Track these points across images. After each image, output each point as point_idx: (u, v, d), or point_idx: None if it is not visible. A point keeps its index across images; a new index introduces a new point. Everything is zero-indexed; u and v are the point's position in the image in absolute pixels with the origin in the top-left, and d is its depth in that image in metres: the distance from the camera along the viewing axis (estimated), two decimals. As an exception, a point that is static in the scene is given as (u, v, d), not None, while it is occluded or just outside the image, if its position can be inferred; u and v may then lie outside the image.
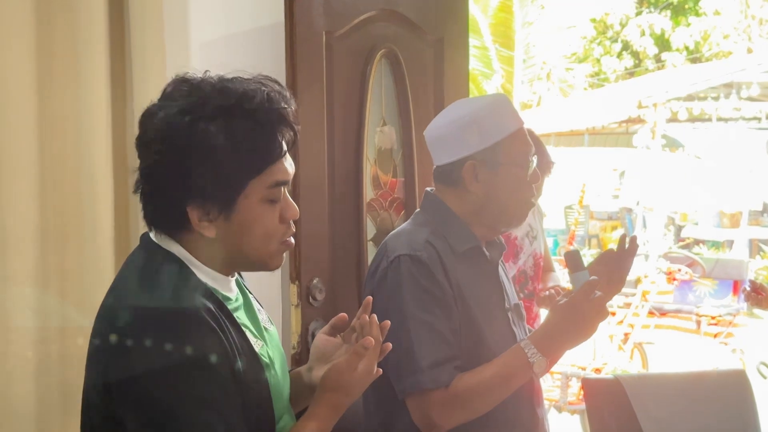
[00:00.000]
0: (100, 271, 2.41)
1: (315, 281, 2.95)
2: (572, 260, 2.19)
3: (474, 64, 10.96)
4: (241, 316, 1.68)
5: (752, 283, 3.81)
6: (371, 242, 3.18)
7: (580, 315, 2.08)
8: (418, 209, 2.34)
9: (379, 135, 3.26)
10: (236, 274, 1.74)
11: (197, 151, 1.55)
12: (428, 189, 2.34)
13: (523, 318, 2.40)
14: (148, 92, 2.44)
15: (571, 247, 2.70)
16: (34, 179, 2.31)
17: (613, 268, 2.47)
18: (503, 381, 2.14)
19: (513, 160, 2.23)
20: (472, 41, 10.22)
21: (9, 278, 2.28)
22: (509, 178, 2.23)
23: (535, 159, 2.26)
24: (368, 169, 3.19)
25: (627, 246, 2.46)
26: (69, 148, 2.38)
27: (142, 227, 2.45)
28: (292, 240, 1.69)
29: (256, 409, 1.61)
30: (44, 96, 2.33)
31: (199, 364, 1.52)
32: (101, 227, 2.42)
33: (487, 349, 2.18)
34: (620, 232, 12.52)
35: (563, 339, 2.12)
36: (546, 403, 3.32)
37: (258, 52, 2.91)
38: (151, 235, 1.66)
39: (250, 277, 1.84)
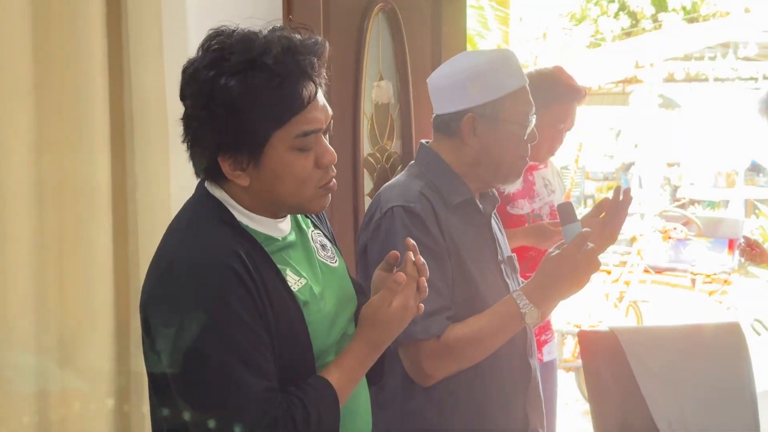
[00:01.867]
0: (97, 247, 2.41)
1: (313, 235, 2.96)
2: (565, 212, 2.19)
3: (470, 24, 10.89)
4: (286, 255, 1.72)
5: (746, 238, 3.85)
6: (368, 197, 3.18)
7: (572, 266, 2.10)
8: (412, 161, 2.35)
9: (375, 90, 3.25)
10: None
11: (220, 105, 1.60)
12: (423, 141, 2.35)
13: (517, 270, 2.42)
14: (143, 43, 2.42)
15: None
16: (30, 143, 2.29)
17: (606, 219, 2.48)
18: (495, 331, 2.16)
19: (512, 117, 2.23)
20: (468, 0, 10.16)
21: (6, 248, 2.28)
22: (507, 135, 2.24)
23: (534, 119, 2.27)
24: (365, 124, 3.19)
25: (621, 197, 2.47)
26: (65, 100, 2.37)
27: (139, 203, 2.47)
28: (334, 183, 1.73)
29: (291, 345, 1.65)
30: (40, 50, 2.31)
31: (218, 304, 1.57)
32: (98, 195, 2.40)
33: (480, 300, 2.19)
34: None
35: (555, 290, 2.14)
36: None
37: (255, 7, 2.89)
38: (206, 182, 1.73)
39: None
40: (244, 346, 1.57)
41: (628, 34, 18.46)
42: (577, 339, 5.51)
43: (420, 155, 2.32)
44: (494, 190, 2.39)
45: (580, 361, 4.06)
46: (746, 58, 12.15)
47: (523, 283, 2.31)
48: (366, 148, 3.20)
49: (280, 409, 1.58)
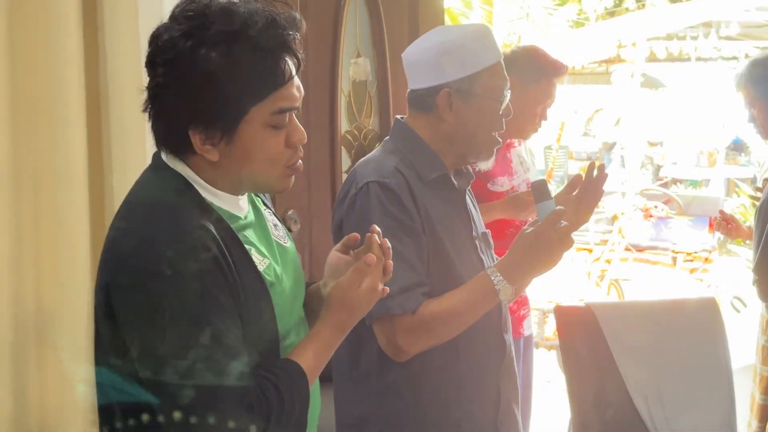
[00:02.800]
0: (75, 218, 2.39)
1: (290, 212, 2.96)
2: (538, 190, 2.18)
3: (453, 3, 10.88)
4: (248, 234, 1.68)
5: (722, 213, 3.89)
6: (346, 174, 3.18)
7: (544, 244, 2.10)
8: (387, 137, 2.35)
9: (353, 67, 3.25)
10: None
11: (198, 76, 1.54)
12: (398, 117, 2.34)
13: (491, 246, 2.42)
14: (118, 16, 2.39)
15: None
16: (3, 123, 2.26)
17: (581, 196, 2.48)
18: (469, 307, 2.16)
19: (488, 92, 2.23)
20: (452, -21, 10.15)
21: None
22: (482, 110, 2.24)
23: (508, 94, 2.27)
24: (343, 101, 3.19)
25: (595, 174, 2.48)
26: (40, 80, 2.35)
27: (116, 172, 2.44)
28: (300, 163, 1.69)
29: (259, 327, 1.62)
30: (12, 29, 2.28)
31: (190, 281, 1.51)
32: (74, 177, 2.37)
33: (455, 276, 2.20)
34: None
35: (528, 267, 2.14)
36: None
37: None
38: (163, 154, 1.66)
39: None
40: (220, 328, 1.52)
41: (611, 14, 18.45)
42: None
43: (395, 131, 2.32)
44: (469, 166, 2.39)
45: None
46: (728, 38, 12.14)
47: (497, 259, 2.32)
48: (343, 125, 3.20)
49: (254, 394, 1.54)
